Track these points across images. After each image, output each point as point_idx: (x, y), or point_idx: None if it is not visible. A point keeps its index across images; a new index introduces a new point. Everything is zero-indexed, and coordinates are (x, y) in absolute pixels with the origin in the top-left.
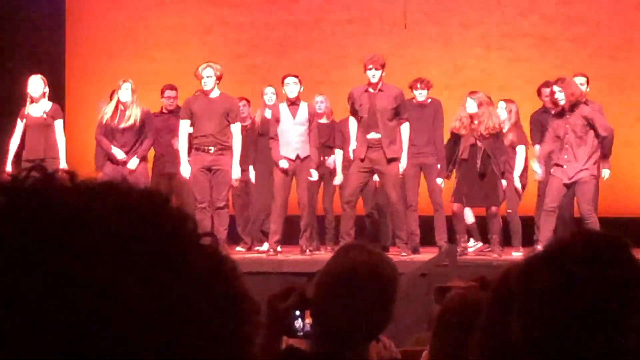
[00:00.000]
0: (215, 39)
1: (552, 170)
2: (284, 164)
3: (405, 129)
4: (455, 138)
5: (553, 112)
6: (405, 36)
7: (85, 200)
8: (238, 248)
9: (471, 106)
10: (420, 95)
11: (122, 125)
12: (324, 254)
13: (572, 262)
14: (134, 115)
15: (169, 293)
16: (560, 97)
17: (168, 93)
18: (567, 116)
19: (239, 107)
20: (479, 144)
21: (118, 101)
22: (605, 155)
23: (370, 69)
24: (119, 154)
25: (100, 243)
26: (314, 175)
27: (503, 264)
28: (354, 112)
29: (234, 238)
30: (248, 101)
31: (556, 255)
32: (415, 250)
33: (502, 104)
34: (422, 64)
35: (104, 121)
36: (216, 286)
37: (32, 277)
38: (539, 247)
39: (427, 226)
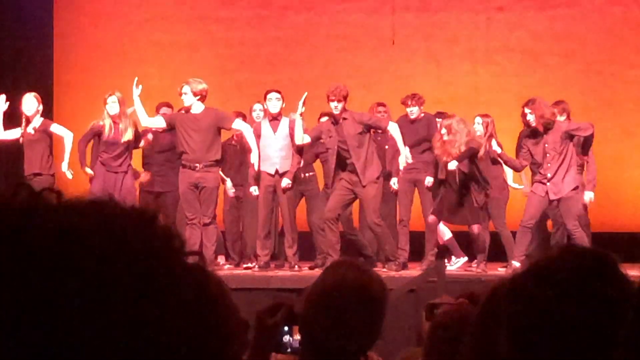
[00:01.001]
0: (203, 56)
1: (532, 186)
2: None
3: (392, 128)
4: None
5: (527, 130)
6: (393, 52)
7: (71, 220)
8: (227, 266)
9: (443, 132)
10: (412, 113)
11: (123, 140)
12: (313, 270)
13: (560, 278)
14: (130, 128)
15: (154, 312)
16: (531, 118)
17: (163, 110)
18: (545, 135)
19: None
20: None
21: (109, 116)
22: (585, 151)
23: (332, 101)
24: (88, 171)
25: (85, 262)
26: (284, 182)
27: (492, 279)
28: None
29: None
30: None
31: (544, 271)
32: (404, 266)
33: (478, 119)
34: (411, 79)
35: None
36: (201, 306)
37: (16, 296)
38: (515, 262)
39: (417, 242)
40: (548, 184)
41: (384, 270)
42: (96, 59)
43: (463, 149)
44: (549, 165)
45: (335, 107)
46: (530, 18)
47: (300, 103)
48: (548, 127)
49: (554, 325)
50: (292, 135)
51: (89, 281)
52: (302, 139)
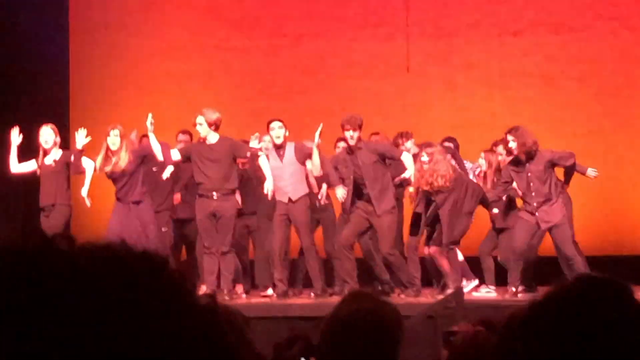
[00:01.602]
0: (218, 85)
1: (520, 214)
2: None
3: (405, 158)
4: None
5: (509, 157)
6: (408, 79)
7: (83, 266)
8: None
9: (425, 159)
10: (406, 148)
11: (116, 174)
12: (332, 298)
13: (575, 307)
14: (123, 160)
15: (164, 357)
16: (514, 146)
17: (180, 137)
18: (528, 164)
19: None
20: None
21: (107, 149)
22: (567, 181)
23: (347, 130)
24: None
25: (96, 308)
26: (322, 193)
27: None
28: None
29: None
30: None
31: (559, 300)
32: (417, 293)
33: (482, 155)
34: (426, 105)
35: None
36: (212, 347)
37: (28, 342)
38: (513, 288)
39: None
40: (537, 213)
41: (402, 296)
42: (111, 90)
43: (440, 181)
44: (533, 194)
45: (351, 136)
46: (544, 42)
47: (317, 135)
48: (530, 156)
49: (570, 353)
50: (300, 160)
51: (99, 327)
52: (320, 170)
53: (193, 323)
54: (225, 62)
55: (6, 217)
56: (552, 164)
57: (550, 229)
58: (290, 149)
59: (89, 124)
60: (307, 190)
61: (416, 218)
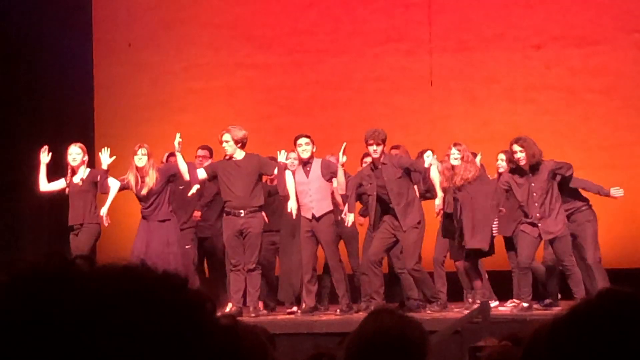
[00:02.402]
0: (241, 101)
1: (522, 227)
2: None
3: (432, 171)
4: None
5: (513, 166)
6: (431, 93)
7: (103, 287)
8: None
9: (457, 156)
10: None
11: (143, 192)
12: (357, 314)
13: (600, 322)
14: (151, 180)
15: None
16: (521, 156)
17: (199, 152)
18: (530, 175)
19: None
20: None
21: (136, 168)
22: (564, 192)
23: (371, 145)
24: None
25: (116, 330)
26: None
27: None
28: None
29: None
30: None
31: (583, 315)
32: (443, 307)
33: (501, 156)
34: (449, 119)
35: (127, 184)
36: None
37: None
38: (524, 304)
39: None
40: (539, 224)
41: (428, 312)
42: (136, 108)
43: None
44: (536, 205)
45: (375, 150)
46: (567, 55)
47: (341, 153)
48: (536, 166)
49: None
50: (325, 176)
51: (120, 349)
52: (345, 188)
53: (211, 344)
54: (247, 78)
55: (32, 237)
56: (554, 175)
57: (551, 241)
58: (316, 165)
59: (114, 142)
60: (331, 208)
61: (448, 221)
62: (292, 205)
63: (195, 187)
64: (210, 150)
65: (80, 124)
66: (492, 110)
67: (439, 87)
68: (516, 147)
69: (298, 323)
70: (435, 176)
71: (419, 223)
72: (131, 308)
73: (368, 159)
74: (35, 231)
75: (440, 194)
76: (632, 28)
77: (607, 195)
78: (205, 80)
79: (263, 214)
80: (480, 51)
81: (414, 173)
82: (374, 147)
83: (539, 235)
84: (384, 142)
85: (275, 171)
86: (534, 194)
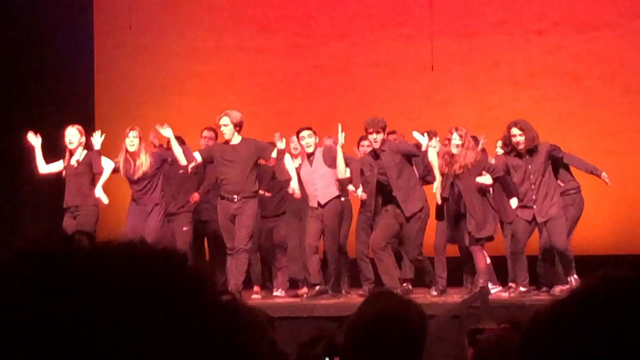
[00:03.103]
0: (242, 85)
1: (518, 212)
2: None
3: (430, 154)
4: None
5: (508, 150)
6: (432, 78)
7: (102, 265)
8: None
9: (458, 142)
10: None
11: (136, 176)
12: (356, 297)
13: (600, 306)
14: (145, 163)
15: (185, 354)
16: (521, 140)
17: (205, 133)
18: (527, 157)
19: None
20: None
21: (126, 151)
22: (556, 174)
23: (371, 133)
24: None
25: (116, 306)
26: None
27: (536, 304)
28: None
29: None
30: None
31: (584, 298)
32: (442, 293)
33: (499, 143)
34: (450, 104)
35: (120, 171)
36: (233, 345)
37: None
38: (521, 288)
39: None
40: (534, 206)
41: (428, 296)
42: (136, 91)
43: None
44: (532, 187)
45: (375, 139)
46: (569, 41)
47: (340, 135)
48: (533, 150)
49: (595, 354)
50: (327, 162)
51: (120, 325)
52: (345, 172)
53: (214, 319)
54: (248, 62)
55: (32, 218)
56: (550, 156)
57: (545, 222)
58: (319, 153)
59: (114, 125)
60: (336, 193)
61: (443, 206)
62: (294, 186)
63: (193, 164)
64: (216, 133)
65: (80, 106)
66: (493, 95)
67: (440, 72)
68: (515, 131)
69: (297, 306)
70: (433, 159)
71: (421, 210)
72: (130, 283)
73: (366, 143)
74: (36, 213)
75: (438, 177)
76: (634, 14)
77: (599, 176)
78: (206, 64)
79: (256, 200)
80: (481, 36)
81: (413, 157)
82: (374, 135)
83: (534, 218)
84: (383, 130)
85: (274, 154)
86: (531, 176)
